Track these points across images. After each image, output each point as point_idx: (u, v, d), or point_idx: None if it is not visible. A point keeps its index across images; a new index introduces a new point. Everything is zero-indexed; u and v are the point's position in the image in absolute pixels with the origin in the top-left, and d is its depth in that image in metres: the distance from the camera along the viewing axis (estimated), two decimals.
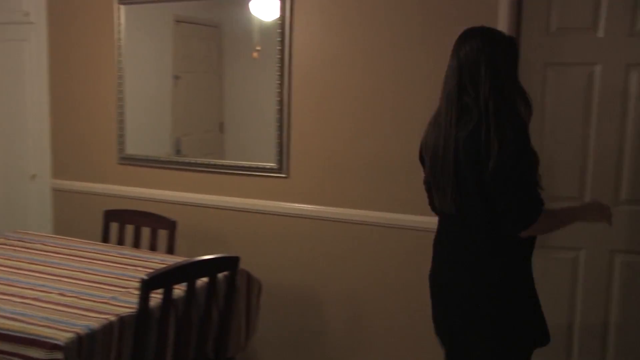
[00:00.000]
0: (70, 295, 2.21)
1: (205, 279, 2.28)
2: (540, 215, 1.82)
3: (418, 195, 2.85)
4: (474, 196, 1.88)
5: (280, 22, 3.04)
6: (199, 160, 3.38)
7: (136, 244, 3.08)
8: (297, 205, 3.13)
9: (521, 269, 1.95)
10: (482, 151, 1.81)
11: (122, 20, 3.45)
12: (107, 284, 2.36)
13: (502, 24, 2.60)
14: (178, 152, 3.52)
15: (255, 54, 3.23)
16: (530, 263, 1.97)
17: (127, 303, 2.13)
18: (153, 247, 3.04)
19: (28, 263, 2.59)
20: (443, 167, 1.93)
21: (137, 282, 2.06)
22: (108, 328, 1.97)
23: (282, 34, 3.04)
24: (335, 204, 3.05)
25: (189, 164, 3.40)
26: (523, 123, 1.86)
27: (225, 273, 2.38)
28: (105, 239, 3.15)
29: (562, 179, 2.66)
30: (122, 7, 3.44)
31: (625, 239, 2.62)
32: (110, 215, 3.17)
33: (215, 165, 3.34)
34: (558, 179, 2.64)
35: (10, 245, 2.84)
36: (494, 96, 1.83)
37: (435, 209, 2.13)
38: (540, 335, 1.98)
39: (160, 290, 2.07)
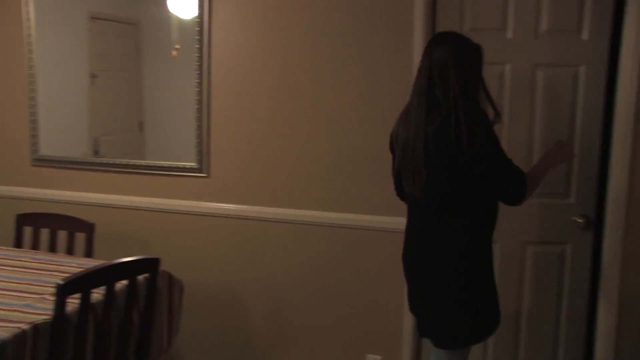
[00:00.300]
0: None
1: (124, 282, 2.23)
2: (526, 184, 2.06)
3: (338, 192, 2.92)
4: (443, 181, 2.07)
5: (198, 20, 3.01)
6: (118, 160, 3.31)
7: (52, 249, 2.97)
8: (218, 204, 3.11)
9: (485, 249, 2.16)
10: (452, 142, 1.99)
11: (32, 15, 3.32)
12: (20, 290, 2.27)
13: (418, 24, 2.69)
14: (96, 152, 3.43)
15: (174, 52, 3.18)
16: (491, 245, 2.18)
17: (42, 310, 2.06)
18: (70, 251, 2.95)
19: None
20: (413, 156, 2.10)
21: (53, 287, 1.99)
22: (20, 337, 1.89)
23: (201, 32, 3.02)
24: (256, 202, 3.05)
25: (108, 164, 3.32)
26: (487, 117, 2.06)
27: (146, 275, 2.34)
28: (18, 244, 3.02)
29: None
30: (32, 0, 3.30)
31: (536, 231, 2.76)
32: (24, 219, 3.05)
33: (134, 166, 3.28)
34: None
35: None
36: (461, 94, 2.02)
37: (402, 195, 2.35)
38: (498, 317, 2.19)
39: (77, 295, 2.02)
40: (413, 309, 2.33)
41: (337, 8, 2.82)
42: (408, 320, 2.86)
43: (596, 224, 2.70)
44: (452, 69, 2.05)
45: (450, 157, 2.02)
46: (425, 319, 2.26)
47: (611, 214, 2.58)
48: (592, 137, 2.66)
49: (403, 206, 2.79)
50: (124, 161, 3.30)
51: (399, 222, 2.81)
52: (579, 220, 2.68)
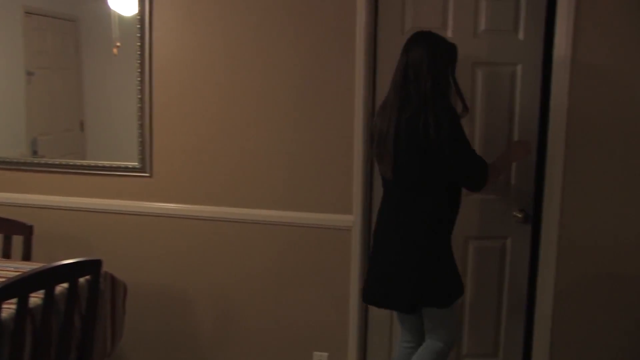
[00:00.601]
0: None
1: (65, 285, 2.18)
2: (488, 173, 2.31)
3: (283, 191, 2.93)
4: (411, 165, 2.30)
5: (139, 17, 2.97)
6: (58, 160, 3.23)
7: None
8: (161, 204, 3.08)
9: (447, 225, 2.38)
10: (421, 131, 2.21)
11: None
12: None
13: (360, 23, 2.72)
14: (35, 152, 3.34)
15: (115, 50, 3.12)
16: (453, 222, 2.41)
17: None
18: (7, 255, 2.85)
19: None
20: (386, 142, 2.33)
21: None
22: None
23: (142, 29, 2.97)
24: (200, 202, 3.03)
25: (47, 164, 3.24)
26: (454, 111, 2.28)
27: (87, 277, 2.29)
28: None
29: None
30: None
31: (477, 226, 2.83)
32: None
33: (75, 166, 3.20)
34: None
35: None
36: (432, 90, 2.24)
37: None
38: (461, 286, 2.43)
39: (14, 300, 1.95)
40: (377, 283, 2.44)
41: (280, 7, 2.82)
42: (354, 317, 2.89)
43: (534, 219, 2.79)
44: (426, 67, 2.26)
45: (418, 145, 2.24)
46: (392, 287, 2.38)
47: (547, 209, 2.66)
48: (529, 134, 2.74)
49: (348, 203, 2.83)
50: (64, 161, 3.22)
51: (344, 219, 2.85)
52: (518, 215, 2.76)
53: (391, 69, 2.69)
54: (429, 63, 2.25)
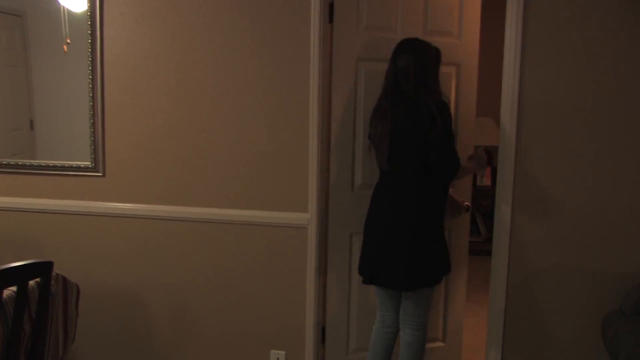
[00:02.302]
0: None
1: (13, 289, 2.12)
2: (457, 172, 2.51)
3: (239, 189, 2.92)
4: (411, 155, 2.48)
5: (89, 13, 2.91)
6: (6, 160, 3.15)
7: None
8: (115, 204, 3.03)
9: (440, 208, 2.57)
10: (425, 122, 2.41)
11: None
12: None
13: (315, 21, 2.73)
14: None
15: (65, 47, 3.05)
16: (444, 203, 2.61)
17: None
18: None
19: None
20: (382, 137, 2.54)
21: None
22: None
23: (93, 26, 2.92)
24: (155, 201, 2.99)
25: None
26: (448, 106, 2.50)
27: (37, 280, 2.23)
28: None
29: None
30: None
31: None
32: None
33: (25, 166, 3.13)
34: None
35: None
36: (423, 86, 2.47)
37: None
38: (449, 265, 2.64)
39: None
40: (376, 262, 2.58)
41: (235, 4, 2.80)
42: (311, 315, 2.91)
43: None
44: (413, 70, 2.48)
45: (417, 135, 2.44)
46: (392, 267, 2.52)
47: (499, 208, 2.73)
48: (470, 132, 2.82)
49: (304, 202, 2.84)
50: (13, 161, 3.14)
51: (300, 217, 2.86)
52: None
53: (347, 67, 2.72)
54: (415, 67, 2.47)
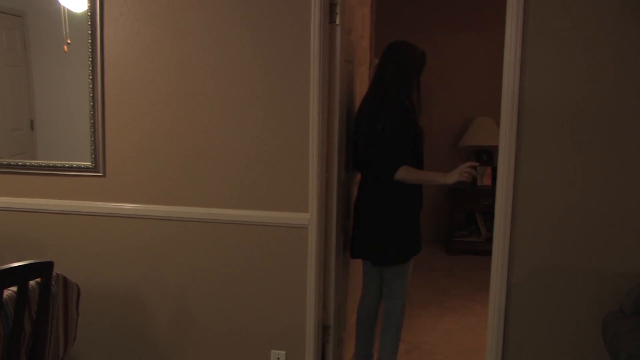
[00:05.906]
0: None
1: (13, 289, 2.13)
2: (399, 169, 2.70)
3: (239, 189, 2.92)
4: (363, 155, 2.85)
5: (90, 13, 2.91)
6: (7, 160, 3.15)
7: None
8: (115, 204, 3.03)
9: (400, 198, 2.88)
10: (372, 124, 2.68)
11: None
12: None
13: (316, 21, 2.72)
14: None
15: (65, 47, 3.05)
16: (416, 199, 2.94)
17: None
18: None
19: None
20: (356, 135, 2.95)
21: None
22: None
23: (93, 25, 2.92)
24: (155, 201, 2.99)
25: None
26: (403, 108, 2.69)
27: (38, 280, 2.24)
28: None
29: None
30: None
31: None
32: None
33: (25, 166, 3.13)
34: None
35: None
36: (393, 88, 2.68)
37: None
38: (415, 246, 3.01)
39: None
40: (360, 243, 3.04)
41: (235, 4, 2.80)
42: (311, 315, 2.91)
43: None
44: (390, 71, 2.67)
45: (367, 136, 2.74)
46: (374, 246, 2.95)
47: (499, 208, 2.72)
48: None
49: (304, 202, 2.84)
50: (14, 161, 3.14)
51: (301, 217, 2.86)
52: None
53: (333, 67, 2.74)
54: (393, 69, 2.65)
